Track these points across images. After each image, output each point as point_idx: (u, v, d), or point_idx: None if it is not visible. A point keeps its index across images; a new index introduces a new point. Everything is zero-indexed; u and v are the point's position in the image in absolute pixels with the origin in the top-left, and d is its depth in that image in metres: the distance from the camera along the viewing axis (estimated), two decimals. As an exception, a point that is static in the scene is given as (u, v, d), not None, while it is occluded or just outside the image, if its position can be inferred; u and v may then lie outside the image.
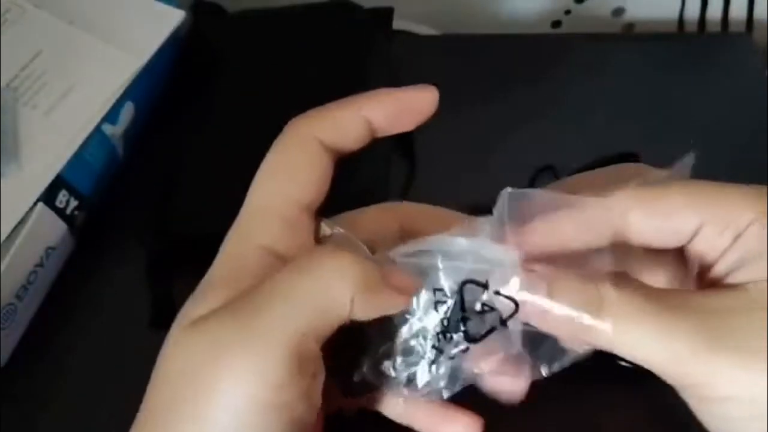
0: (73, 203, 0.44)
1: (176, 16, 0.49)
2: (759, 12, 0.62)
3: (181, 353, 0.25)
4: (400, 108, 0.28)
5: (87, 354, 0.44)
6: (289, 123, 0.28)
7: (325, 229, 0.28)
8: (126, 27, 0.48)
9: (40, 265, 0.43)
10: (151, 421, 0.25)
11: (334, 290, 0.24)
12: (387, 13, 0.55)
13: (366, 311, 0.25)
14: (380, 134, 0.28)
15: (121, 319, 0.45)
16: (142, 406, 0.26)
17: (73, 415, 0.42)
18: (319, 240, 0.28)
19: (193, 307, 0.26)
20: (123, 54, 0.47)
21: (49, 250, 0.43)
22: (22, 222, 0.41)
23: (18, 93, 0.45)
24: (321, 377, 0.25)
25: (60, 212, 0.43)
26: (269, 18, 0.55)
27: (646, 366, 0.26)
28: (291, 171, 0.27)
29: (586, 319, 0.25)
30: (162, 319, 0.44)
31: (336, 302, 0.24)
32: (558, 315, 0.25)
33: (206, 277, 0.27)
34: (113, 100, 0.46)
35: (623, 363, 0.42)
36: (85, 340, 0.44)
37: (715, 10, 0.64)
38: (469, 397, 0.29)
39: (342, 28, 0.53)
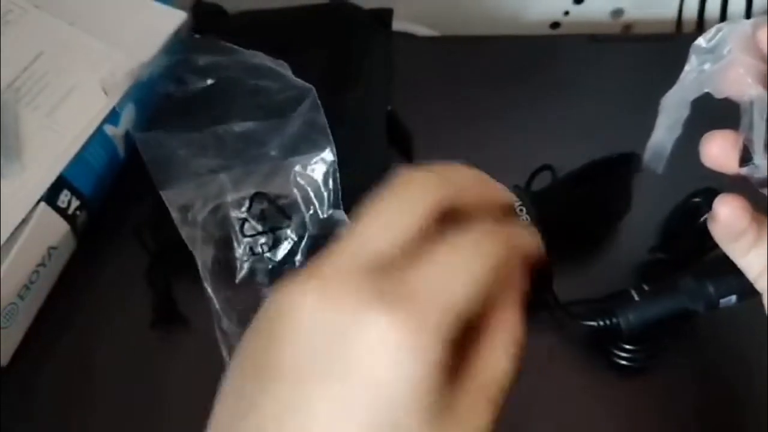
0: (75, 203, 0.44)
1: (177, 17, 0.50)
2: (757, 11, 0.63)
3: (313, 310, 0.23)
4: None
5: (88, 354, 0.44)
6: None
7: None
8: (126, 28, 0.48)
9: (42, 264, 0.43)
10: (279, 380, 0.22)
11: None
12: (387, 14, 0.55)
13: None
14: None
15: (122, 319, 0.45)
16: (244, 371, 0.23)
17: (73, 414, 0.42)
18: None
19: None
20: (123, 54, 0.47)
21: (51, 249, 0.43)
22: (24, 222, 0.41)
23: (19, 94, 0.45)
24: None
25: (62, 212, 0.43)
26: (269, 18, 0.55)
27: None
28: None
29: None
30: (162, 319, 0.44)
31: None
32: None
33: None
34: (115, 101, 0.46)
35: (622, 361, 0.43)
36: (86, 339, 0.44)
37: (713, 11, 0.64)
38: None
39: (342, 29, 0.53)
